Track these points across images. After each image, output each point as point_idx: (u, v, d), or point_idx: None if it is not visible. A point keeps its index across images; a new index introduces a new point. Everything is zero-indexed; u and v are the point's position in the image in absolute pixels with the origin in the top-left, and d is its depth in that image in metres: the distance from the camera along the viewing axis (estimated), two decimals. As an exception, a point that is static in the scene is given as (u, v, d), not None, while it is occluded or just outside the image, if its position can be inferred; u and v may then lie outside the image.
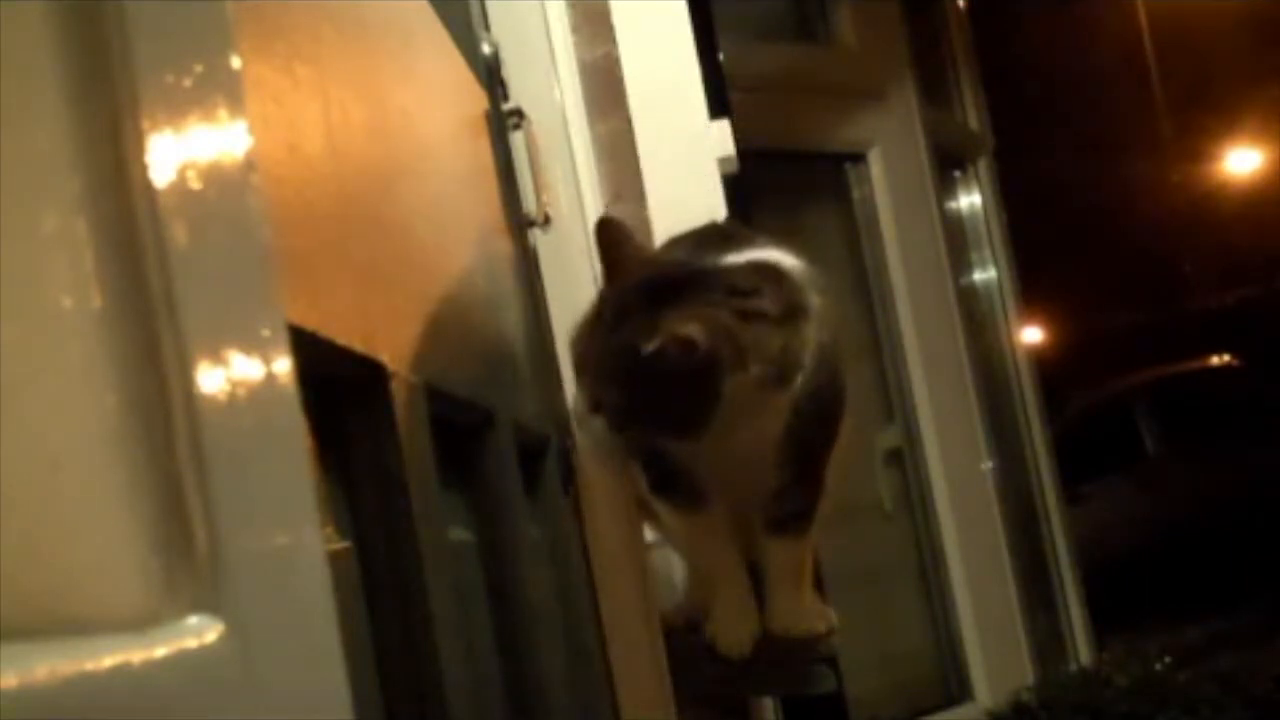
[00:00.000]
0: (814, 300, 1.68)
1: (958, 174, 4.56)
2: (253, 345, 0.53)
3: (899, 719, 3.71)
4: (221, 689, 0.49)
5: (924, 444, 3.86)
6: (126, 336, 0.49)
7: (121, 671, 0.46)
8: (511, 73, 1.92)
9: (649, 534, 1.99)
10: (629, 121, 2.20)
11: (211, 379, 0.51)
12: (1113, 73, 13.55)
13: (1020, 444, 4.44)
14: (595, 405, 1.62)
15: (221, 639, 0.49)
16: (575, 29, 2.20)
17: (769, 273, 1.67)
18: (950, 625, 3.85)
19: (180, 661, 0.48)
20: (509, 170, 1.79)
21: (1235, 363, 10.07)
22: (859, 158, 3.94)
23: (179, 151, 0.52)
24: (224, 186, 0.54)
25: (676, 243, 1.91)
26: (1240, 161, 14.62)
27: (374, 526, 0.96)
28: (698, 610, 1.94)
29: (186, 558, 0.49)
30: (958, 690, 3.84)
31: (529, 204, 1.84)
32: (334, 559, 0.71)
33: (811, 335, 1.66)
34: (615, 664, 1.74)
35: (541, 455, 1.65)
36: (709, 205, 2.20)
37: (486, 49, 1.85)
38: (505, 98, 1.88)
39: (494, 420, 1.36)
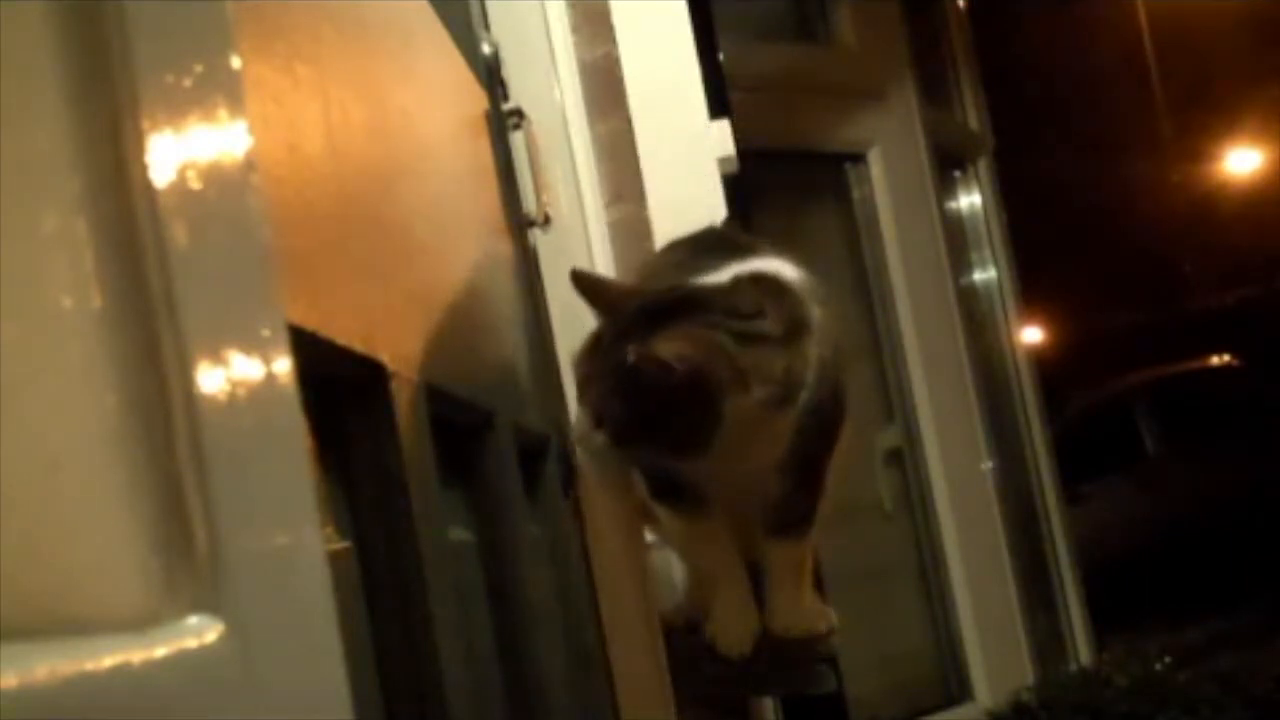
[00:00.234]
0: (815, 313, 1.68)
1: (958, 174, 4.56)
2: (253, 345, 0.53)
3: (899, 719, 3.71)
4: (221, 689, 0.49)
5: (924, 444, 3.86)
6: (126, 336, 0.49)
7: (121, 671, 0.46)
8: (511, 73, 1.92)
9: (649, 534, 1.99)
10: (629, 121, 2.20)
11: (211, 379, 0.51)
12: (1113, 73, 13.54)
13: (1020, 444, 4.44)
14: (598, 421, 1.62)
15: (221, 639, 0.49)
16: (575, 29, 2.20)
17: (770, 288, 1.66)
18: (950, 625, 3.85)
19: (180, 661, 0.48)
20: (509, 170, 1.79)
21: (1235, 363, 10.06)
22: (859, 158, 3.94)
23: (179, 151, 0.52)
24: (224, 186, 0.54)
25: (675, 249, 1.91)
26: (1240, 161, 14.61)
27: (374, 526, 0.96)
28: (698, 610, 1.94)
29: (186, 558, 0.49)
30: (958, 690, 3.84)
31: (529, 204, 1.84)
32: (334, 559, 0.71)
33: (813, 351, 1.66)
34: (615, 664, 1.74)
35: (541, 455, 1.65)
36: (709, 205, 2.20)
37: (486, 49, 1.85)
38: (505, 98, 1.88)
39: (494, 420, 1.35)
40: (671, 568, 2.10)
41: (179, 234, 0.51)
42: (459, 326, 1.30)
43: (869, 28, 4.00)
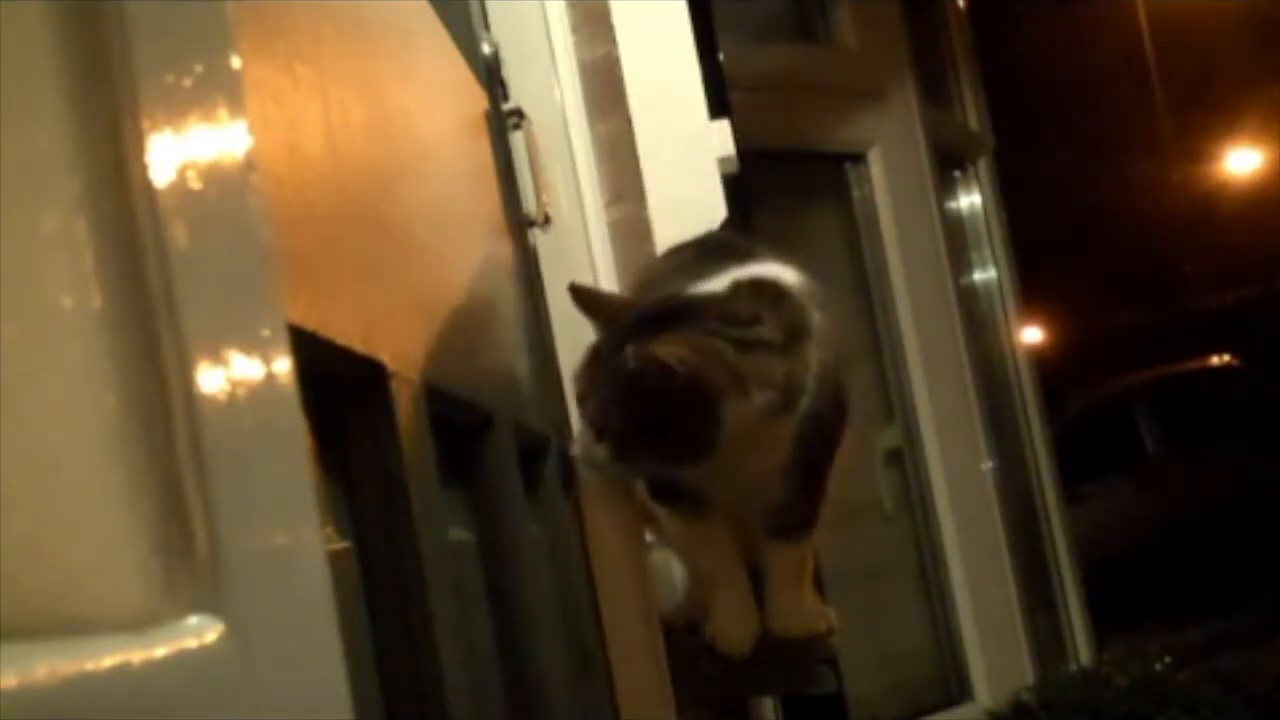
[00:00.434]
0: (815, 318, 1.68)
1: (958, 174, 4.56)
2: (253, 345, 0.53)
3: (899, 719, 3.71)
4: (221, 689, 0.49)
5: (924, 444, 3.86)
6: (126, 336, 0.49)
7: (121, 671, 0.46)
8: (511, 73, 1.92)
9: (649, 534, 1.99)
10: (629, 121, 2.20)
11: (211, 379, 0.51)
12: (1113, 73, 13.53)
13: (1020, 444, 4.44)
14: (599, 433, 1.62)
15: (221, 639, 0.49)
16: (575, 29, 2.19)
17: (769, 294, 1.66)
18: (950, 625, 3.85)
19: (180, 661, 0.48)
20: (509, 170, 1.79)
21: (1235, 363, 10.06)
22: (859, 158, 3.94)
23: (179, 151, 0.52)
24: (224, 186, 0.54)
25: (675, 254, 1.90)
26: (1240, 161, 14.61)
27: (374, 526, 0.96)
28: (698, 610, 1.94)
29: (186, 558, 0.49)
30: (958, 690, 3.84)
31: (529, 204, 1.84)
32: (334, 559, 0.71)
33: (814, 356, 1.66)
34: (615, 664, 1.74)
35: (541, 455, 1.65)
36: (709, 205, 2.20)
37: (486, 49, 1.85)
38: (505, 98, 1.88)
39: (494, 420, 1.35)
40: (671, 568, 2.10)
41: (179, 234, 0.51)
42: (459, 326, 1.30)
43: (869, 28, 4.00)
